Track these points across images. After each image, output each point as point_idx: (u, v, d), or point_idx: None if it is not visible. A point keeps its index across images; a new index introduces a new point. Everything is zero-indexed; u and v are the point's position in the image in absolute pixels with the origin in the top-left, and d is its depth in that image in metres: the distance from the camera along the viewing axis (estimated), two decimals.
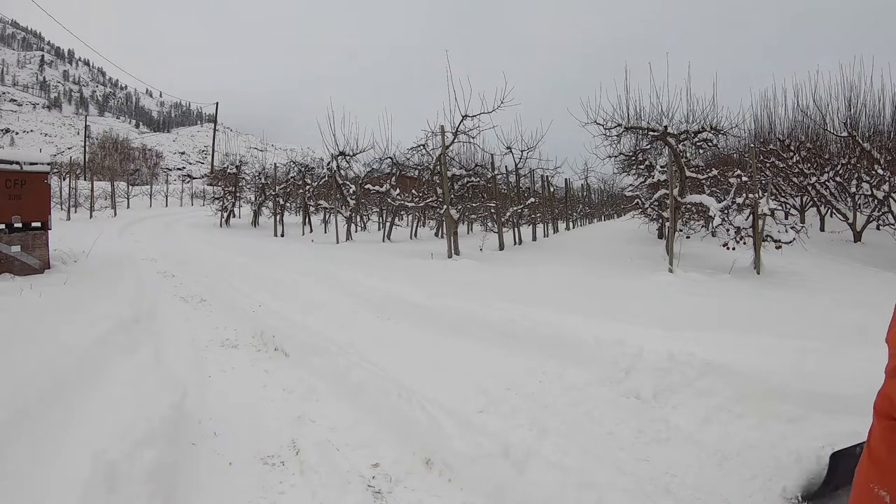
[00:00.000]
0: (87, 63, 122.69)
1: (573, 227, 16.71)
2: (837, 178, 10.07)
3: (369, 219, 14.64)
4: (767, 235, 5.98)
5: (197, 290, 5.11)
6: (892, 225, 8.86)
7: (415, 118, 9.48)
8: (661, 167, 8.15)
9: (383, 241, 10.71)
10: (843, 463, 1.62)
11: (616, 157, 8.05)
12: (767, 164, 10.95)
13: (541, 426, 2.19)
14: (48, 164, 5.35)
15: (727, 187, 7.24)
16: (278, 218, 13.27)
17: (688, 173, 6.72)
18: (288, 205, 16.12)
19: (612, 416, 2.29)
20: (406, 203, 10.40)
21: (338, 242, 10.28)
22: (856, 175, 9.77)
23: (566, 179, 15.88)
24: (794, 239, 5.94)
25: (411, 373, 2.81)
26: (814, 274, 6.00)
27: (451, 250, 7.48)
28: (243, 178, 15.82)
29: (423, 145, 8.83)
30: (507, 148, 9.37)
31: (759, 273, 5.86)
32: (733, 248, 6.23)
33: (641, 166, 9.08)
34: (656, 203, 8.64)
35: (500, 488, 1.74)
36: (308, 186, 13.48)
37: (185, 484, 1.77)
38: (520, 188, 10.46)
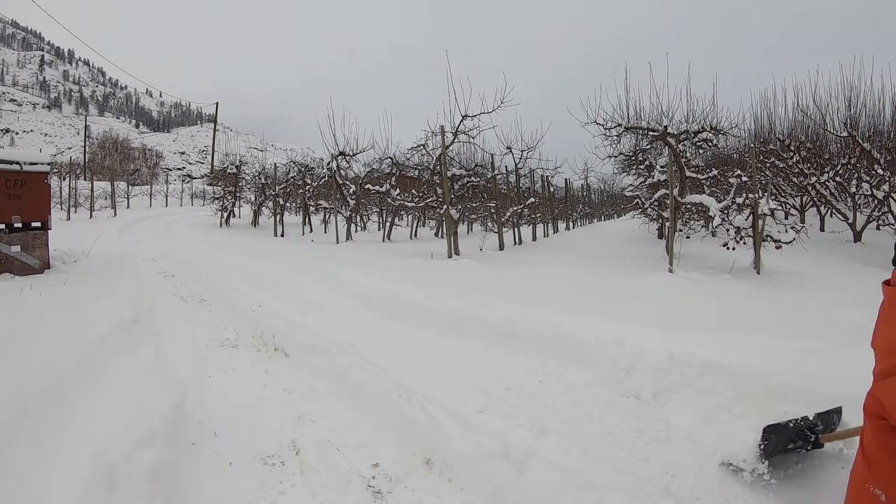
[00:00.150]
0: (87, 63, 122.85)
1: (573, 227, 16.71)
2: (837, 178, 10.07)
3: (369, 219, 14.64)
4: (767, 235, 5.98)
5: (197, 290, 5.11)
6: (892, 225, 8.87)
7: (415, 118, 9.48)
8: (661, 167, 8.15)
9: (383, 241, 10.71)
10: (774, 436, 1.72)
11: (616, 157, 8.06)
12: (767, 164, 10.95)
13: (541, 426, 2.19)
14: (48, 164, 5.35)
15: (727, 187, 7.24)
16: (278, 218, 13.27)
17: (688, 173, 6.72)
18: (288, 205, 16.13)
19: (612, 416, 2.29)
20: (406, 203, 10.40)
21: (338, 242, 10.28)
22: (856, 175, 9.78)
23: (566, 179, 15.91)
24: (794, 239, 5.94)
25: (411, 373, 2.81)
26: (814, 274, 6.00)
27: (451, 250, 7.48)
28: (243, 178, 15.82)
29: (423, 145, 8.84)
30: (507, 148, 9.37)
31: (759, 273, 5.86)
32: (733, 248, 6.24)
33: (641, 166, 9.08)
34: (656, 203, 8.64)
35: (500, 488, 1.74)
36: (308, 186, 13.48)
37: (185, 484, 1.77)
38: (520, 188, 10.46)
